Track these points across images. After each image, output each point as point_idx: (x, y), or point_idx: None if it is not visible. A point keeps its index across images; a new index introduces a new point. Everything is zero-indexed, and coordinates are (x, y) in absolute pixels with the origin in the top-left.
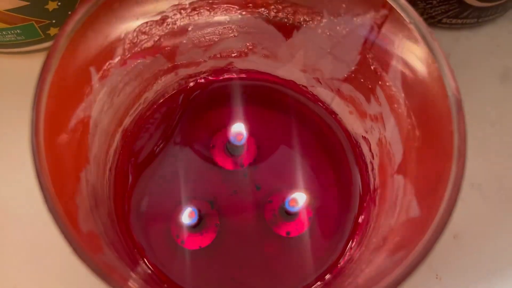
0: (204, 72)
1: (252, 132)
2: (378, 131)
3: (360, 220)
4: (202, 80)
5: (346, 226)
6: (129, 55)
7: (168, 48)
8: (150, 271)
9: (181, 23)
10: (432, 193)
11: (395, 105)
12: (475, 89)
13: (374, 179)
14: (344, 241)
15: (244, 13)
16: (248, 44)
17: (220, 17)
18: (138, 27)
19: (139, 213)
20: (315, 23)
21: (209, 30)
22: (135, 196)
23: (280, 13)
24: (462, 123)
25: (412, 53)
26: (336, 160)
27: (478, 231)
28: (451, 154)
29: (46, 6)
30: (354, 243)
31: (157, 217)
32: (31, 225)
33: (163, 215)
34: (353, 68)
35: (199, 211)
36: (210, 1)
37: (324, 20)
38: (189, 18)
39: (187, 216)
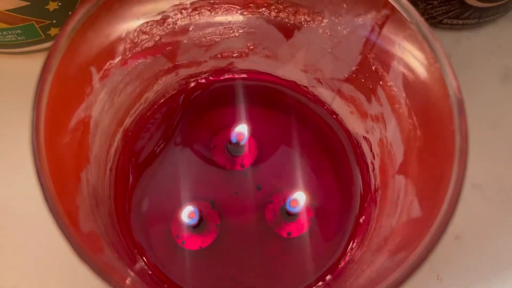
0: (205, 72)
1: (253, 132)
2: (379, 131)
3: (361, 220)
4: (203, 80)
5: (347, 226)
6: (130, 55)
7: (169, 48)
8: (150, 271)
9: (182, 23)
10: (434, 193)
11: (396, 105)
12: (476, 89)
13: (375, 180)
14: (345, 242)
15: (245, 13)
16: (249, 44)
17: (221, 17)
18: (139, 27)
19: (139, 213)
20: (316, 23)
21: (210, 30)
22: (135, 196)
23: (281, 13)
24: (463, 123)
25: (413, 53)
26: (337, 161)
27: (479, 231)
28: (453, 154)
29: (47, 6)
30: (355, 243)
31: (157, 217)
32: (31, 225)
33: (163, 215)
34: (354, 68)
35: (200, 211)
36: (211, 1)
37: (325, 20)
38: (190, 18)
39: (187, 216)
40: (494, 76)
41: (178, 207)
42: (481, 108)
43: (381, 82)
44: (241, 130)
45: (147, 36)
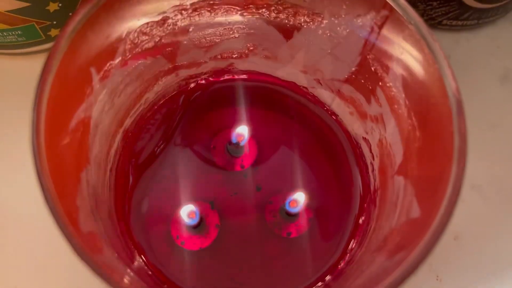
0: (205, 73)
1: (252, 133)
2: (378, 132)
3: (360, 221)
4: (203, 81)
5: (346, 227)
6: (130, 55)
7: (169, 49)
8: (150, 272)
9: (182, 24)
10: (433, 194)
11: (396, 106)
12: (476, 90)
13: (375, 180)
14: (345, 242)
15: (245, 14)
16: (248, 45)
17: (221, 18)
18: (139, 27)
19: (139, 214)
20: (316, 24)
21: (210, 31)
22: (135, 197)
23: (280, 14)
24: (462, 124)
25: (412, 54)
26: (336, 161)
27: (479, 232)
28: (452, 155)
29: (47, 7)
30: (354, 244)
31: (157, 218)
32: (31, 225)
33: (163, 215)
34: (353, 69)
35: (200, 211)
36: (211, 2)
37: (324, 21)
38: (190, 19)
39: (187, 217)
40: (493, 77)
41: (178, 207)
42: (480, 109)
43: (380, 83)
44: (241, 131)
45: (147, 37)
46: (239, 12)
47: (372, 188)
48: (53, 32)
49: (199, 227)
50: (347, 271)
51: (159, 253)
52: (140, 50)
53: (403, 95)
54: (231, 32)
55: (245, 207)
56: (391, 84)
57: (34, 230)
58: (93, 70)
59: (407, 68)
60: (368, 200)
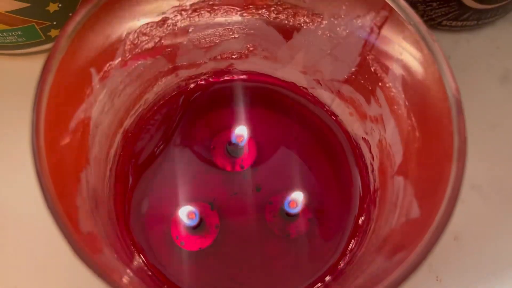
0: (205, 74)
1: (252, 133)
2: (378, 133)
3: (360, 221)
4: (203, 82)
5: (346, 227)
6: (129, 56)
7: (169, 49)
8: (150, 272)
9: (182, 25)
10: (432, 194)
11: (395, 106)
12: (475, 91)
13: (374, 181)
14: (345, 243)
15: (244, 14)
16: (248, 46)
17: (220, 19)
18: (138, 28)
19: (139, 214)
20: (315, 24)
21: (209, 31)
22: (135, 197)
23: (280, 15)
24: (462, 124)
25: (412, 54)
26: (336, 162)
27: (479, 232)
28: (451, 155)
29: (47, 8)
30: (354, 244)
31: (157, 218)
32: (31, 226)
33: (163, 216)
34: (353, 69)
35: (199, 212)
36: (211, 3)
37: (324, 22)
38: (190, 20)
39: (187, 217)
40: (493, 77)
41: (177, 208)
42: (480, 109)
43: (380, 83)
44: (241, 131)
45: (147, 38)
46: (238, 13)
47: (372, 188)
48: (53, 32)
49: (198, 227)
50: (347, 272)
51: (158, 253)
52: (140, 50)
53: (403, 96)
54: (230, 33)
55: (245, 207)
56: (390, 84)
57: (34, 230)
58: (93, 71)
59: (406, 68)
60: (368, 201)
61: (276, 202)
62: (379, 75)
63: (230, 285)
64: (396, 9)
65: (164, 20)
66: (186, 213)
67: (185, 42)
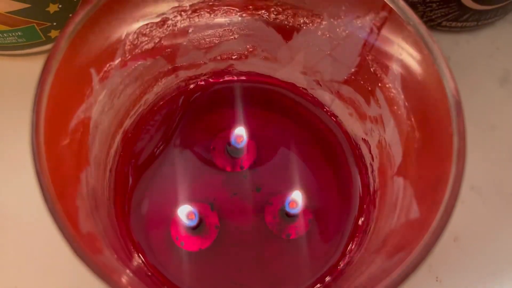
0: (205, 74)
1: (252, 134)
2: (378, 133)
3: (360, 222)
4: (203, 82)
5: (346, 228)
6: (129, 56)
7: (169, 50)
8: (149, 273)
9: (182, 25)
10: (432, 194)
11: (395, 107)
12: (475, 92)
13: (374, 181)
14: (344, 243)
15: (244, 15)
16: (248, 46)
17: (220, 19)
18: (138, 29)
19: (139, 215)
20: (315, 25)
21: (209, 32)
22: (135, 198)
23: (280, 16)
24: (461, 124)
25: (411, 55)
26: (336, 162)
27: (478, 233)
28: (451, 156)
29: (47, 9)
30: (354, 245)
31: (157, 219)
32: (31, 226)
33: (163, 216)
34: (353, 70)
35: (199, 213)
36: (211, 3)
37: (324, 22)
38: (190, 20)
39: (187, 218)
40: (493, 78)
41: (177, 208)
42: (480, 110)
43: (379, 84)
44: (241, 132)
45: (146, 38)
46: (238, 13)
47: (371, 189)
48: (53, 33)
49: (198, 228)
50: (347, 272)
51: (158, 253)
52: (139, 51)
53: (402, 96)
54: (230, 34)
55: (245, 208)
56: (390, 85)
57: (34, 230)
58: (92, 71)
59: (406, 69)
60: (367, 201)
61: (276, 202)
62: (378, 75)
63: (229, 285)
64: (395, 9)
65: (163, 21)
66: (186, 214)
67: (185, 43)
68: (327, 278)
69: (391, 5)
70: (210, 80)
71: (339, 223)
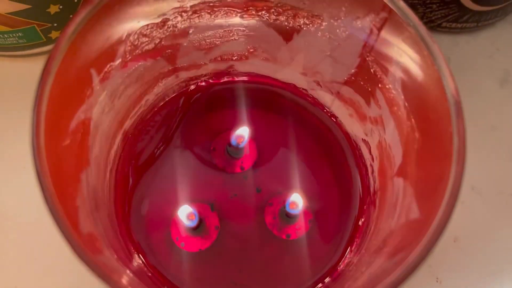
0: (205, 75)
1: (252, 135)
2: (378, 134)
3: (360, 222)
4: (203, 83)
5: (346, 228)
6: (130, 57)
7: (169, 50)
8: (150, 273)
9: (182, 26)
10: (432, 195)
11: (395, 108)
12: (475, 93)
13: (374, 182)
14: (344, 244)
15: (244, 16)
16: (248, 47)
17: (220, 20)
18: (139, 29)
19: (139, 215)
20: (315, 26)
21: (210, 33)
22: (135, 198)
23: (280, 16)
24: (461, 125)
25: (411, 56)
26: (336, 163)
27: (478, 234)
28: (451, 156)
29: (48, 10)
30: (354, 245)
31: (157, 220)
32: (31, 226)
33: (163, 217)
34: (353, 71)
35: (199, 213)
36: (211, 4)
37: (324, 23)
38: (190, 21)
39: (187, 219)
40: (493, 79)
41: (177, 209)
42: (480, 111)
43: (379, 85)
44: (241, 132)
45: (147, 39)
46: (239, 15)
47: (371, 189)
48: (54, 34)
49: (198, 228)
50: (347, 273)
51: (158, 254)
52: (140, 51)
53: (402, 97)
54: (231, 34)
55: (245, 209)
56: (390, 86)
57: (34, 230)
58: (93, 72)
59: (406, 69)
60: (367, 202)
61: (276, 203)
62: (378, 76)
63: (230, 286)
64: (395, 10)
65: (164, 22)
66: (186, 214)
67: (185, 44)
68: (327, 279)
69: (391, 6)
70: (211, 81)
71: (339, 224)
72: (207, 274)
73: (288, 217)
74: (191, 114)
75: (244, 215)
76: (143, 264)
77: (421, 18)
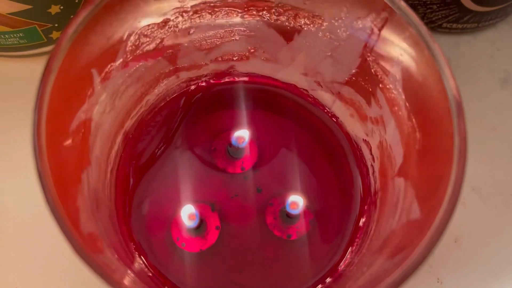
0: (206, 75)
1: (253, 135)
2: (378, 134)
3: (361, 223)
4: (204, 83)
5: (347, 229)
6: (131, 57)
7: (170, 51)
8: (150, 274)
9: (183, 26)
10: (433, 195)
11: (396, 108)
12: (476, 93)
13: (375, 182)
14: (345, 244)
15: (245, 16)
16: (249, 48)
17: (221, 21)
18: (140, 29)
19: (140, 215)
20: (316, 26)
21: (210, 33)
22: (136, 199)
23: (281, 17)
24: (462, 125)
25: (412, 56)
26: (337, 163)
27: (479, 235)
28: (452, 156)
29: (49, 10)
30: (354, 246)
31: (158, 220)
32: (32, 227)
33: (164, 217)
34: (353, 71)
35: (200, 213)
36: (212, 5)
37: (325, 23)
38: (191, 21)
39: (188, 219)
40: (493, 80)
41: (178, 209)
42: (481, 111)
43: (380, 85)
44: (242, 133)
45: (148, 39)
46: (239, 15)
47: (372, 190)
48: (55, 34)
49: (199, 229)
50: (347, 273)
51: (159, 254)
52: (141, 52)
53: (403, 97)
54: (231, 35)
55: (246, 209)
56: (391, 86)
57: (35, 231)
58: (94, 72)
59: (407, 69)
60: (368, 202)
61: (277, 203)
62: (379, 76)
63: (230, 286)
64: (396, 10)
65: (165, 22)
66: (186, 215)
67: (186, 44)
68: (328, 279)
69: (392, 6)
70: (211, 81)
71: (340, 224)
72: (207, 274)
73: (289, 217)
74: (191, 114)
75: (244, 215)
76: (143, 264)
77: (422, 18)
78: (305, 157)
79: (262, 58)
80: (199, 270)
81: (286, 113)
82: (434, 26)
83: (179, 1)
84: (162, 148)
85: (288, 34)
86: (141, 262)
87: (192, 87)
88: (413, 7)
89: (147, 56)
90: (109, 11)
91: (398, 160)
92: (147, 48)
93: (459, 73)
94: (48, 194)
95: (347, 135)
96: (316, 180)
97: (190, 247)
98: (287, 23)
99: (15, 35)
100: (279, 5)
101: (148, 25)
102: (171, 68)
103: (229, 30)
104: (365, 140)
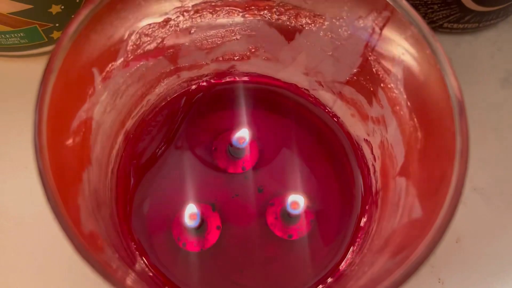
0: (207, 75)
1: (254, 135)
2: (380, 134)
3: (362, 222)
4: (205, 83)
5: (348, 228)
6: (131, 57)
7: (171, 50)
8: (151, 273)
9: (184, 26)
10: (434, 194)
11: (397, 107)
12: (477, 93)
13: (376, 182)
14: (346, 244)
15: (246, 15)
16: (250, 47)
17: (222, 20)
18: (141, 29)
19: (140, 215)
20: (317, 25)
21: (211, 32)
22: (137, 198)
23: (282, 16)
24: (464, 124)
25: (413, 55)
26: (338, 163)
27: (481, 235)
28: (453, 155)
29: (50, 10)
30: (356, 245)
31: (158, 219)
32: (32, 227)
33: (164, 217)
34: (355, 70)
35: (201, 213)
36: (213, 4)
37: (326, 23)
38: (192, 21)
39: (188, 219)
40: (494, 80)
41: (179, 209)
42: (482, 112)
43: (382, 84)
44: (242, 132)
45: (149, 38)
46: (240, 14)
47: (374, 189)
48: (56, 34)
49: (200, 228)
50: (349, 273)
51: (160, 254)
52: (142, 51)
53: (405, 96)
54: (232, 34)
55: (246, 209)
56: (392, 85)
57: (36, 231)
58: (95, 71)
59: (408, 69)
60: (369, 202)
61: (277, 203)
62: (381, 76)
63: (231, 286)
64: (397, 9)
65: (166, 21)
66: (187, 214)
67: (187, 43)
68: (329, 279)
69: (393, 5)
70: (212, 81)
71: (341, 224)
72: (208, 274)
73: (290, 217)
74: (192, 114)
75: (245, 215)
76: (144, 264)
77: (423, 18)
78: (306, 157)
79: (263, 57)
80: (199, 270)
81: (287, 113)
82: (435, 26)
83: (180, 1)
84: (163, 147)
85: (289, 34)
86: (142, 261)
87: (193, 87)
88: (414, 7)
89: (148, 55)
90: (110, 11)
91: (399, 159)
92: (148, 47)
93: (460, 73)
94: (49, 193)
95: (348, 135)
96: (317, 180)
97: (191, 247)
98: (288, 23)
99: (16, 35)
100: (280, 4)
101: (149, 25)
102: (172, 68)
103: (230, 30)
104: (366, 139)
